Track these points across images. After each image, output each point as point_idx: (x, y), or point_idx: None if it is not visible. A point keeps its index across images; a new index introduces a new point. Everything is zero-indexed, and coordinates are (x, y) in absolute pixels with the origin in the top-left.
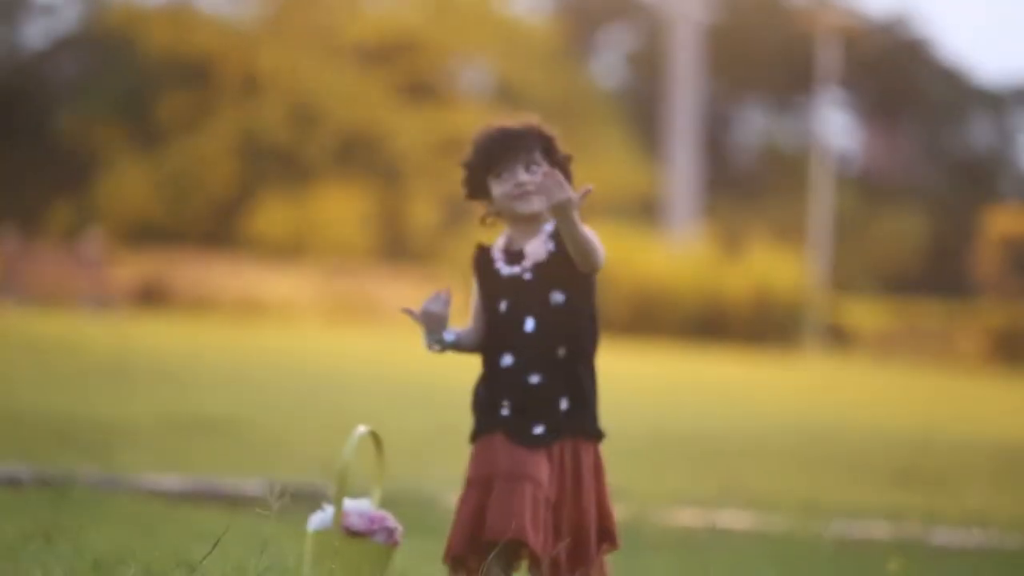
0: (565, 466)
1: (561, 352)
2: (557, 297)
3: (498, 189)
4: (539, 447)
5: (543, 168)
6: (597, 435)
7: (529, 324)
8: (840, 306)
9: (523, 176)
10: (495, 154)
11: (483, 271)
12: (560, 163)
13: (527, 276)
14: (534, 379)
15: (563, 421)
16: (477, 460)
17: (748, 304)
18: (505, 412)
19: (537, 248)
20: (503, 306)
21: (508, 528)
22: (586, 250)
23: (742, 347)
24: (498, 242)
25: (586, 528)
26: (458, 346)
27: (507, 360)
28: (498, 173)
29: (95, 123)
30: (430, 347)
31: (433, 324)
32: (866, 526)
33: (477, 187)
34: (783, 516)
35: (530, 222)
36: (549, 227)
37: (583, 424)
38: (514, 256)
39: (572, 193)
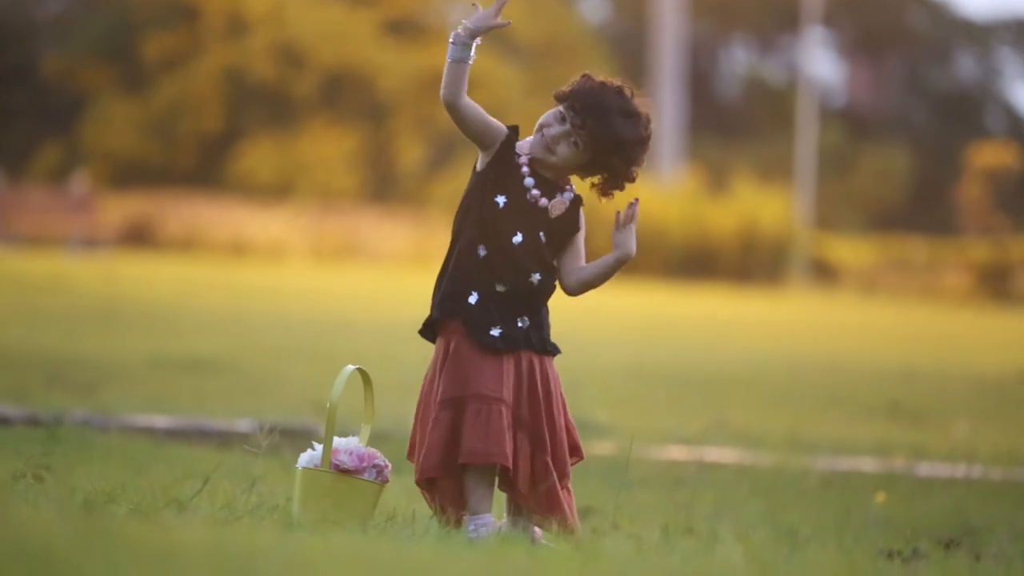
0: (534, 379)
1: (535, 278)
2: (547, 239)
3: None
4: (498, 353)
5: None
6: (555, 351)
7: (518, 238)
8: (825, 242)
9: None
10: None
11: (511, 167)
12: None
13: (542, 214)
14: (500, 288)
15: (520, 336)
16: (449, 379)
17: (734, 241)
18: (472, 300)
19: (562, 198)
20: (502, 203)
21: (488, 452)
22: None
23: (728, 284)
24: (522, 158)
25: (562, 440)
26: (465, 61)
27: (482, 252)
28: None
29: (81, 64)
30: (462, 34)
31: (480, 23)
32: (852, 460)
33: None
34: (769, 451)
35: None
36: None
37: (543, 342)
38: (542, 183)
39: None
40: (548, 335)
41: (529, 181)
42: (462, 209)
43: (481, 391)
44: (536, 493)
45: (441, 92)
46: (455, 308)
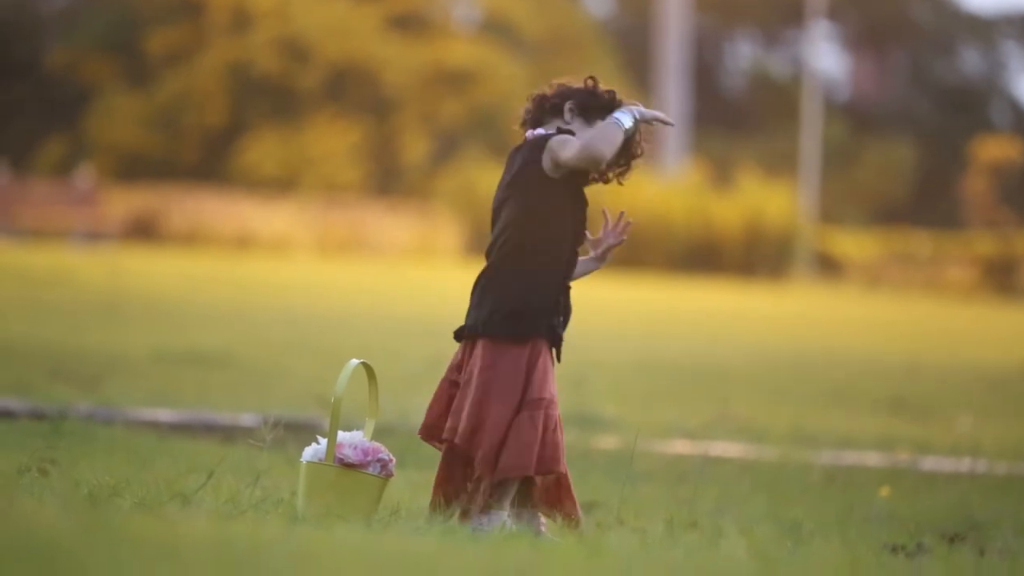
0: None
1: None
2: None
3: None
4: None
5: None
6: None
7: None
8: (830, 236)
9: None
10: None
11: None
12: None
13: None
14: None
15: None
16: (545, 381)
17: (738, 235)
18: (556, 325)
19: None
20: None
21: (559, 460)
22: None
23: (733, 278)
24: None
25: None
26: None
27: (565, 274)
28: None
29: (85, 58)
30: (638, 117)
31: (651, 114)
32: (856, 454)
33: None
34: (773, 445)
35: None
36: None
37: None
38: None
39: None
40: None
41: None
42: (539, 220)
43: (556, 400)
44: (555, 488)
45: (602, 152)
46: (545, 328)
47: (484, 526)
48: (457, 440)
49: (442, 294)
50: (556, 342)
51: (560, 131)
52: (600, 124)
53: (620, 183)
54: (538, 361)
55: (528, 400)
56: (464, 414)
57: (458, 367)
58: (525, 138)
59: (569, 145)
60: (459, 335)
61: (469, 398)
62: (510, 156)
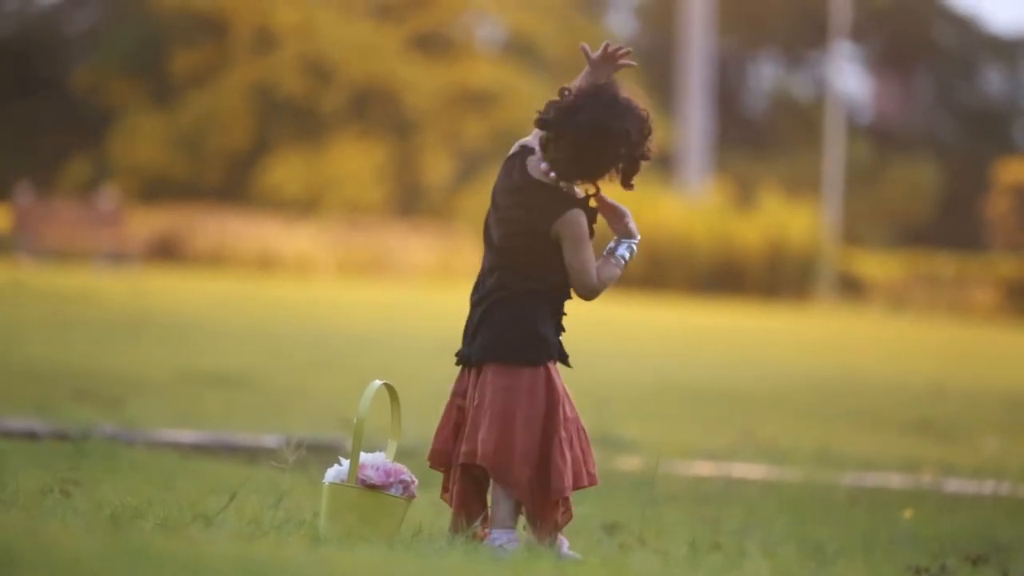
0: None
1: None
2: None
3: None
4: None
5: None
6: None
7: None
8: (853, 257)
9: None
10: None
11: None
12: None
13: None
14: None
15: None
16: (565, 399)
17: (761, 256)
18: (556, 341)
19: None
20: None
21: (592, 475)
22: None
23: (756, 299)
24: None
25: None
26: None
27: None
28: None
29: (110, 78)
30: (635, 249)
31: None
32: (880, 476)
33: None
34: (797, 467)
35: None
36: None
37: None
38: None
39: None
40: None
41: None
42: (546, 261)
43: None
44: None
45: (600, 287)
46: (555, 352)
47: (504, 543)
48: (479, 461)
49: (464, 315)
50: (563, 357)
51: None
52: (606, 265)
53: (630, 187)
54: (555, 381)
55: (558, 422)
56: (481, 437)
57: (464, 392)
58: (522, 146)
59: (586, 270)
60: (464, 360)
61: (485, 422)
62: (508, 161)
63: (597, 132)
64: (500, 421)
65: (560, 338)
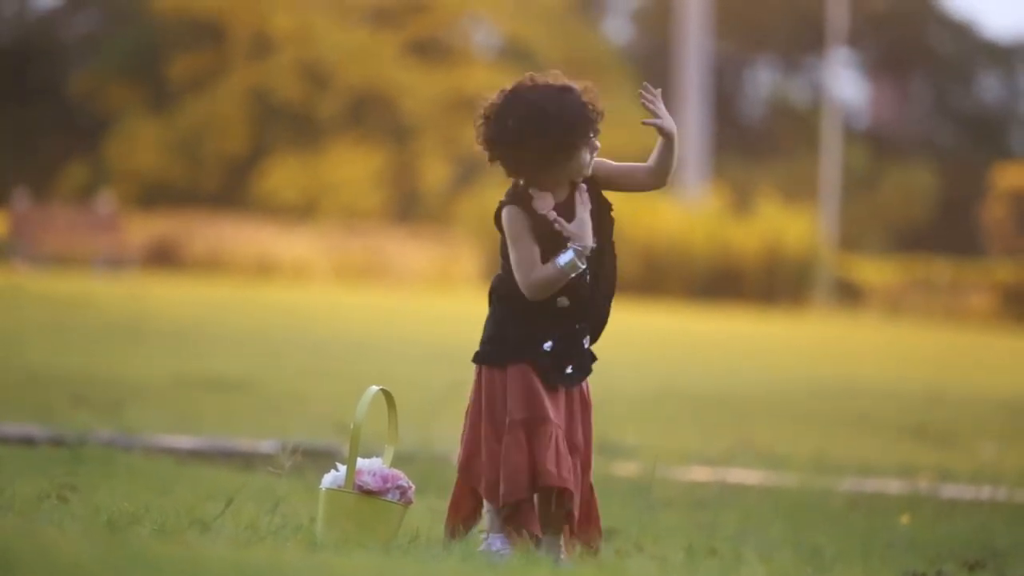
0: (584, 401)
1: (609, 305)
2: (603, 246)
3: (584, 156)
4: (571, 386)
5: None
6: (593, 360)
7: (589, 274)
8: (850, 263)
9: (596, 141)
10: (592, 121)
11: (546, 235)
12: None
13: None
14: (581, 325)
15: (587, 359)
16: (517, 401)
17: (759, 261)
18: (547, 347)
19: (583, 205)
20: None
21: (561, 476)
22: (673, 167)
23: (753, 304)
24: (541, 202)
25: (590, 459)
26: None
27: (564, 302)
28: (582, 140)
29: (107, 83)
30: (581, 266)
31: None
32: (877, 481)
33: (552, 158)
34: (794, 472)
35: (568, 181)
36: (584, 184)
37: (593, 357)
38: (566, 210)
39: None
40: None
41: (560, 225)
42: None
43: (548, 415)
44: (581, 515)
45: (532, 288)
46: (525, 353)
47: (498, 548)
48: (457, 467)
49: (462, 320)
50: (543, 367)
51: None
52: (544, 267)
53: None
54: (516, 384)
55: (509, 424)
56: (461, 442)
57: None
58: None
59: (519, 268)
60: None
61: (464, 426)
62: None
63: (521, 132)
64: (468, 427)
65: (545, 349)
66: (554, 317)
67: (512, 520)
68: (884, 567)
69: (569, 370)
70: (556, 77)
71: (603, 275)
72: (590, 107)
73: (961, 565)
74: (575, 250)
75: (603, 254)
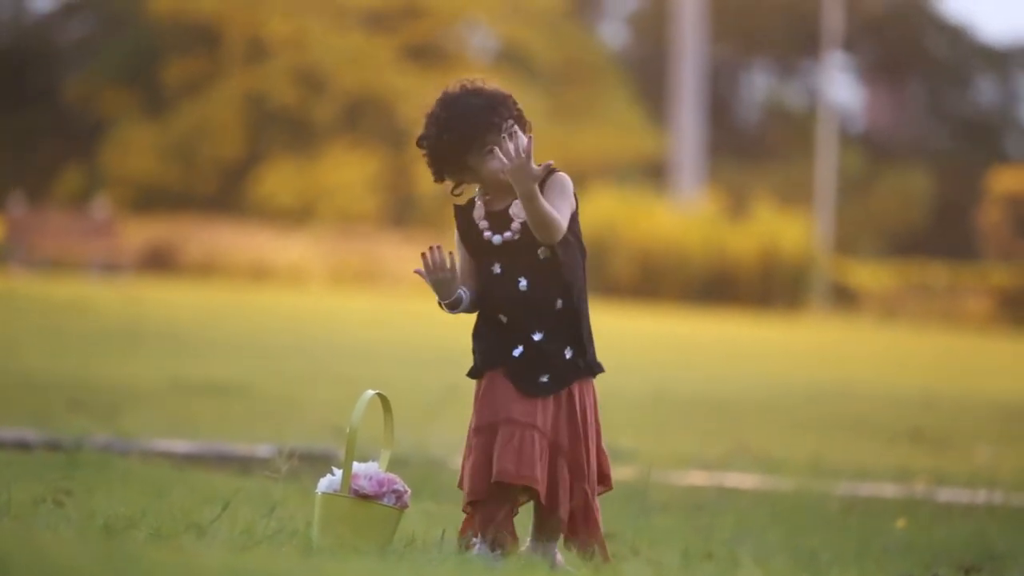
0: (573, 406)
1: (558, 304)
2: (545, 252)
3: (491, 163)
4: (546, 395)
5: (521, 134)
6: (597, 371)
7: (523, 283)
8: (846, 267)
9: (510, 145)
10: (484, 125)
11: (472, 239)
12: (519, 121)
13: (516, 237)
14: (537, 336)
15: (568, 370)
16: (482, 407)
17: (754, 265)
18: (517, 353)
19: (520, 208)
20: (497, 268)
21: (519, 474)
22: (545, 224)
23: (748, 308)
24: (477, 205)
25: (593, 467)
26: (469, 307)
27: (504, 319)
28: (484, 145)
29: (103, 87)
30: (451, 309)
31: (444, 288)
32: (873, 485)
33: (454, 163)
34: (790, 476)
35: (508, 189)
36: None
37: (587, 366)
38: (498, 218)
39: (535, 172)
40: (593, 351)
41: (487, 234)
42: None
43: (512, 416)
44: (575, 521)
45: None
46: (497, 361)
47: (483, 552)
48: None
49: (457, 325)
50: (514, 372)
51: None
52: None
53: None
54: (484, 390)
55: (475, 429)
56: None
57: None
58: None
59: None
60: None
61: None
62: None
63: (427, 135)
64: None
65: (531, 354)
66: (505, 331)
67: (485, 523)
68: (880, 571)
69: (544, 379)
70: (482, 82)
71: (544, 279)
72: (495, 112)
73: (957, 569)
74: (461, 294)
75: (540, 258)
